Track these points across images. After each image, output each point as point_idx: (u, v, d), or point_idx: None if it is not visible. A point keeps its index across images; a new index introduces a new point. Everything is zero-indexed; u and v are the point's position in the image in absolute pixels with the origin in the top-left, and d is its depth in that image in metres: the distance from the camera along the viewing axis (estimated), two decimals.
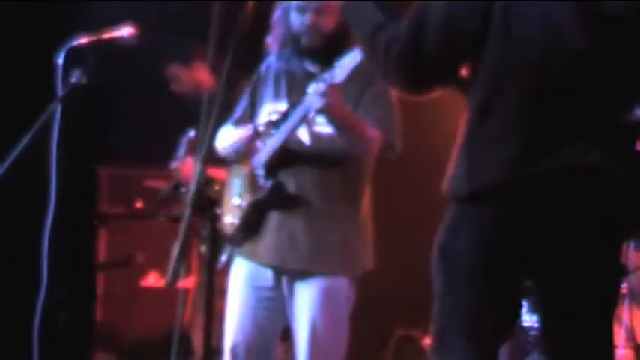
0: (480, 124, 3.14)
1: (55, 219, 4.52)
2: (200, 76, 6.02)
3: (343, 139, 4.46)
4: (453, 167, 3.18)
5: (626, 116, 3.13)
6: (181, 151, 5.74)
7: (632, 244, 5.34)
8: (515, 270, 3.13)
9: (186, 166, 5.74)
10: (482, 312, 3.12)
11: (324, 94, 4.20)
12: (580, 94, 3.05)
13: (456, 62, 3.18)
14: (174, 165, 5.83)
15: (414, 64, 3.14)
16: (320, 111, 4.28)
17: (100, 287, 7.88)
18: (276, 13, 4.65)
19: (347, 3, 3.40)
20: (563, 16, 3.06)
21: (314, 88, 4.26)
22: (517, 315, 3.40)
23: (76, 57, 4.63)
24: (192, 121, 5.51)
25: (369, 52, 3.35)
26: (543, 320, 3.35)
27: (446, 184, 3.17)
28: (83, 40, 4.68)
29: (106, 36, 4.84)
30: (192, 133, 5.66)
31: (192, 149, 5.60)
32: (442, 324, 3.17)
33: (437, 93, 3.30)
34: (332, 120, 4.37)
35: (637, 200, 3.16)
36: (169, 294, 5.88)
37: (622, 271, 3.33)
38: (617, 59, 3.10)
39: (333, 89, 4.22)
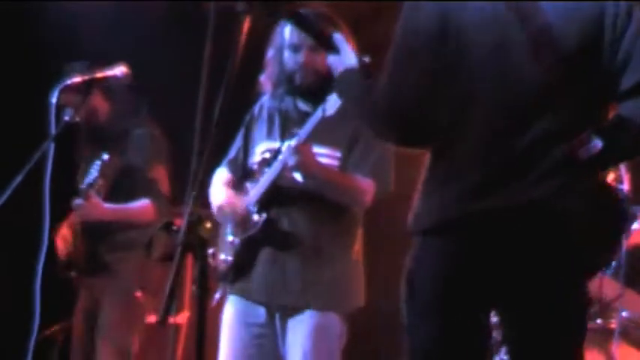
0: (437, 165, 3.19)
1: (47, 256, 4.59)
2: (96, 104, 5.72)
3: (325, 191, 4.45)
4: (415, 204, 3.22)
5: (584, 146, 3.06)
6: (92, 178, 5.37)
7: (623, 282, 5.29)
8: (476, 299, 3.16)
9: (90, 207, 5.39)
10: (449, 343, 3.15)
11: (295, 152, 4.24)
12: (539, 126, 3.07)
13: (430, 108, 3.15)
14: (76, 203, 5.39)
15: (395, 117, 3.18)
16: (293, 168, 4.31)
17: None
18: (270, 53, 4.62)
19: (340, 76, 3.42)
20: (517, 55, 3.08)
21: (286, 146, 4.31)
22: (486, 342, 3.34)
23: (67, 97, 4.81)
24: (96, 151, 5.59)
25: (361, 116, 3.47)
26: (509, 351, 3.43)
27: (410, 219, 3.21)
28: (76, 79, 4.87)
29: (100, 75, 5.05)
30: (105, 156, 5.33)
31: (105, 173, 5.38)
32: (415, 349, 3.22)
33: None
34: (307, 176, 4.38)
35: (588, 231, 3.15)
36: (162, 330, 5.58)
37: (582, 303, 3.28)
38: (569, 94, 3.11)
39: (304, 147, 4.26)
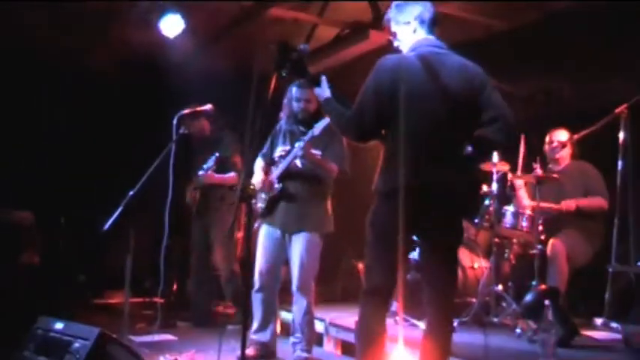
0: (389, 155, 3.32)
1: (171, 201, 4.77)
2: (203, 125, 6.18)
3: (314, 167, 4.71)
4: (376, 177, 3.38)
5: (463, 150, 3.29)
6: (210, 164, 5.78)
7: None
8: (407, 234, 3.29)
9: (207, 177, 5.86)
10: (390, 256, 3.27)
11: (302, 148, 4.55)
12: (441, 138, 3.24)
13: (379, 127, 3.33)
14: (200, 174, 5.87)
15: (358, 129, 3.37)
16: (301, 156, 4.60)
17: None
18: (285, 101, 4.88)
19: (323, 102, 3.59)
20: (431, 99, 3.25)
21: (298, 144, 4.58)
22: (410, 253, 3.57)
23: (182, 120, 4.90)
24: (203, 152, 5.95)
25: (337, 125, 3.55)
26: (422, 258, 3.63)
27: (374, 186, 3.37)
28: (186, 111, 5.04)
29: (198, 109, 5.31)
30: (217, 154, 5.75)
31: (217, 165, 5.80)
32: (371, 261, 3.38)
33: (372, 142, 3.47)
34: (307, 160, 4.64)
35: (469, 198, 3.46)
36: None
37: (462, 231, 3.45)
38: (459, 119, 3.28)
39: (307, 145, 4.54)
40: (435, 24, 3.51)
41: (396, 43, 3.59)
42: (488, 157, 5.16)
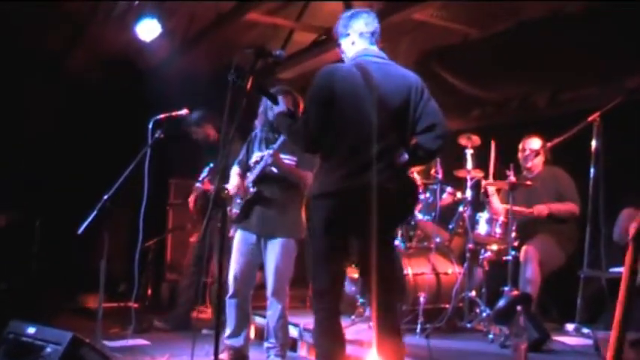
0: (325, 160, 3.45)
1: (146, 206, 4.72)
2: (208, 131, 6.25)
3: (286, 176, 4.72)
4: (312, 183, 3.54)
5: (399, 156, 3.38)
6: (204, 174, 5.89)
7: (436, 224, 5.49)
8: (343, 233, 3.40)
9: (205, 184, 5.95)
10: (330, 255, 3.40)
11: (271, 156, 4.59)
12: (376, 144, 3.31)
13: (323, 134, 3.39)
14: (197, 184, 6.00)
15: (306, 139, 3.47)
16: (271, 164, 4.64)
17: (169, 239, 7.97)
18: (260, 109, 4.87)
19: (276, 116, 3.80)
20: (367, 106, 3.34)
21: (267, 153, 4.63)
22: (348, 254, 3.52)
23: (158, 124, 4.90)
24: (210, 158, 6.04)
25: (287, 137, 3.75)
26: (358, 259, 3.60)
27: (308, 190, 3.54)
28: (161, 116, 4.96)
29: (174, 114, 5.12)
30: (211, 165, 5.83)
31: (212, 174, 5.86)
32: (312, 264, 3.47)
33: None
34: (277, 168, 4.67)
35: (404, 202, 3.49)
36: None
37: (395, 236, 3.48)
38: (395, 126, 3.39)
39: (276, 153, 4.58)
40: (375, 36, 3.65)
41: (342, 55, 3.74)
42: (424, 164, 5.25)
